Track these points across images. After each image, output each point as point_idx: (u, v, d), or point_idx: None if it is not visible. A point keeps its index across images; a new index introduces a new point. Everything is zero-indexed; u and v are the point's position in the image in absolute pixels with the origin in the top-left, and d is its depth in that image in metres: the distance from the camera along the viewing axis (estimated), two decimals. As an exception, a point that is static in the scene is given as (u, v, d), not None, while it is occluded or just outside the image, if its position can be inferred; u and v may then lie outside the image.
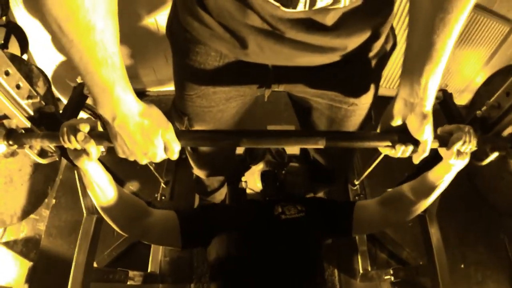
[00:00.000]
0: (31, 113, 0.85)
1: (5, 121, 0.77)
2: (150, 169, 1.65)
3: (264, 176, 1.18)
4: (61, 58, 1.67)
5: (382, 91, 2.16)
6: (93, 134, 0.65)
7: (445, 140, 0.66)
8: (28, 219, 1.79)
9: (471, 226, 1.74)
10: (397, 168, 1.87)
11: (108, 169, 0.78)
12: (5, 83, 0.76)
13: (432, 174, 0.77)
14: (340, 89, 0.80)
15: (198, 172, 1.19)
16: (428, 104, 0.61)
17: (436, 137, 0.66)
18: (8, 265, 1.65)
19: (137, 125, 0.58)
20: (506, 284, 1.65)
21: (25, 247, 1.74)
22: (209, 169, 1.18)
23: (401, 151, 0.65)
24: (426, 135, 0.62)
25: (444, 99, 1.20)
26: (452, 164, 0.68)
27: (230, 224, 1.02)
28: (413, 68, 0.59)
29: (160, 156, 0.64)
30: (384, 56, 0.78)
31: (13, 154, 0.80)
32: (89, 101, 1.74)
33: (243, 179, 1.29)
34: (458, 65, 1.97)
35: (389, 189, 0.95)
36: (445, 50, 0.54)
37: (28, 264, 1.66)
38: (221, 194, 1.52)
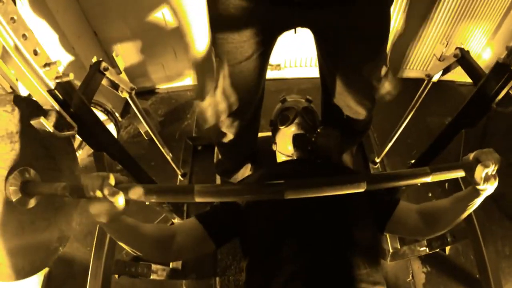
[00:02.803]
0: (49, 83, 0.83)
1: (24, 170, 0.74)
2: (166, 162, 1.63)
3: (296, 139, 1.12)
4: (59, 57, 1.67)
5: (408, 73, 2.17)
6: (121, 187, 0.62)
7: (471, 169, 0.65)
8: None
9: (497, 201, 1.69)
10: (415, 146, 1.86)
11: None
12: (22, 48, 0.75)
13: (463, 198, 0.77)
14: (358, 20, 0.86)
15: (222, 103, 1.14)
16: None
17: (461, 165, 0.66)
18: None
19: None
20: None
21: (40, 255, 1.68)
22: (240, 121, 1.12)
23: None
24: None
25: (462, 56, 1.20)
26: (482, 190, 0.68)
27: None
28: None
29: None
30: None
31: (26, 204, 0.75)
32: (99, 97, 1.76)
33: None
34: (464, 42, 1.97)
35: (427, 203, 0.92)
36: None
37: (44, 270, 1.60)
38: (243, 175, 1.47)
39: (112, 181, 0.60)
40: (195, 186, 0.62)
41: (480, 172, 0.63)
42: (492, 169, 0.63)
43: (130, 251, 0.78)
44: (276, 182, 0.64)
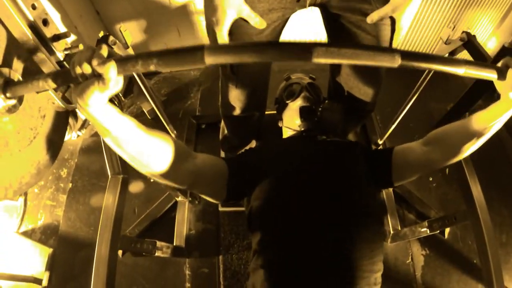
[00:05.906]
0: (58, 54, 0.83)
1: (3, 69, 0.64)
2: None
3: (302, 111, 1.17)
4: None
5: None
6: (115, 59, 0.51)
7: (503, 73, 0.62)
8: (45, 206, 1.75)
9: (495, 190, 1.72)
10: (417, 129, 1.87)
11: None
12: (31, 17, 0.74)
13: (489, 113, 0.73)
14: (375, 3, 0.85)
15: (235, 100, 1.14)
16: None
17: (494, 67, 0.63)
18: (28, 254, 1.60)
19: None
20: (529, 246, 1.64)
21: (44, 235, 1.69)
22: (249, 95, 1.12)
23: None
24: None
25: (469, 40, 1.20)
26: None
27: (275, 162, 0.99)
28: None
29: None
30: None
31: (10, 110, 0.66)
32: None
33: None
34: (470, 29, 1.96)
35: (435, 129, 0.90)
36: None
37: (48, 251, 1.62)
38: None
39: (104, 51, 0.50)
40: (204, 45, 0.49)
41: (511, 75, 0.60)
42: None
43: (135, 162, 0.67)
44: (305, 42, 0.54)
